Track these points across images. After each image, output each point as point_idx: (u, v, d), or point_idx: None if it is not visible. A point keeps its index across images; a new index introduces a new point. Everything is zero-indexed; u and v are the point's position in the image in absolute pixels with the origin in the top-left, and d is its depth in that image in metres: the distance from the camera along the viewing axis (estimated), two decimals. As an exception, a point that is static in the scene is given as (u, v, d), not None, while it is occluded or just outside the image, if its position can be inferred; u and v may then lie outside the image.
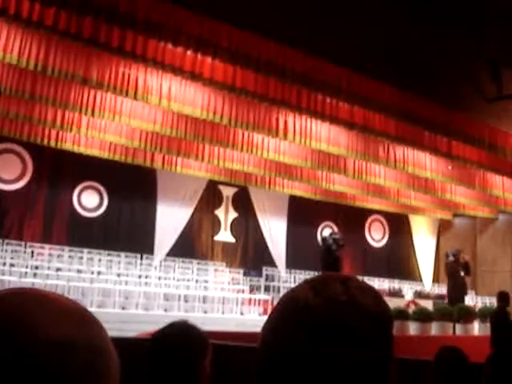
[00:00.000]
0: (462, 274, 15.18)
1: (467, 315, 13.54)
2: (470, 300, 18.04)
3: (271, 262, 17.77)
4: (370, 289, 0.88)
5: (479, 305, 16.54)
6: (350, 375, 0.80)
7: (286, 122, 11.67)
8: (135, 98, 10.17)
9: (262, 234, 18.12)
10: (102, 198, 15.47)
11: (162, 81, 10.19)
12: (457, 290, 14.95)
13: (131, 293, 12.71)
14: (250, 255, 17.76)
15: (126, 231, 15.55)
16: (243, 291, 14.48)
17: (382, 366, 0.83)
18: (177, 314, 11.72)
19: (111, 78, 9.73)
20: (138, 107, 11.33)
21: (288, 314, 0.85)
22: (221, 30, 8.38)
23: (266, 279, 16.37)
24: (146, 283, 13.61)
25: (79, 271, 13.13)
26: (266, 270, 16.93)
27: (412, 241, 22.24)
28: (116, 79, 9.78)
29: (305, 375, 0.81)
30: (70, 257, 14.26)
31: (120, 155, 13.86)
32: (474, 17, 9.53)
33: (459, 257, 15.42)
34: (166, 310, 12.54)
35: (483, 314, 13.63)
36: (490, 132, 12.13)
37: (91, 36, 8.14)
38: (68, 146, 13.22)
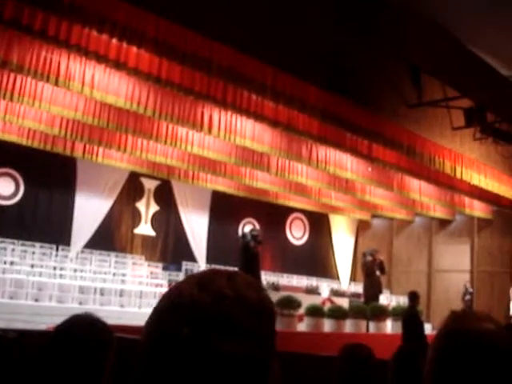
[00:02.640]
0: (378, 273, 15.60)
1: (380, 314, 13.92)
2: (385, 299, 18.55)
3: (191, 257, 17.70)
4: (255, 284, 0.88)
5: (393, 304, 17.02)
6: (233, 369, 0.80)
7: (210, 117, 11.62)
8: (56, 83, 9.85)
9: (183, 229, 18.01)
10: (17, 186, 14.92)
11: (85, 68, 9.92)
12: (372, 289, 15.35)
13: (45, 284, 12.35)
14: (170, 249, 17.61)
15: (41, 221, 15.07)
16: (162, 285, 14.35)
17: (265, 359, 0.84)
18: (92, 308, 11.48)
19: (32, 62, 9.37)
20: (59, 94, 10.98)
21: (173, 308, 0.84)
22: (148, 19, 8.22)
23: (186, 274, 16.27)
24: (60, 275, 13.24)
25: (-10, 261, 12.66)
26: (185, 265, 16.85)
27: (331, 240, 22.67)
28: (37, 64, 9.43)
29: (187, 369, 0.80)
30: (-19, 246, 13.73)
31: (39, 142, 13.40)
32: (396, 23, 9.79)
33: (376, 256, 15.83)
34: (80, 303, 12.26)
35: (396, 313, 14.04)
36: (409, 137, 12.47)
37: (13, 18, 7.80)
38: (-17, 130, 12.71)
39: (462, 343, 1.29)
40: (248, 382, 0.81)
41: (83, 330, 1.79)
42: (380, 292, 15.88)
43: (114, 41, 8.52)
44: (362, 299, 15.62)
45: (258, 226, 17.81)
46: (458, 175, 13.88)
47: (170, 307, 0.85)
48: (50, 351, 1.77)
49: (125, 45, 8.63)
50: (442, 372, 1.30)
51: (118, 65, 8.96)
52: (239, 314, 0.82)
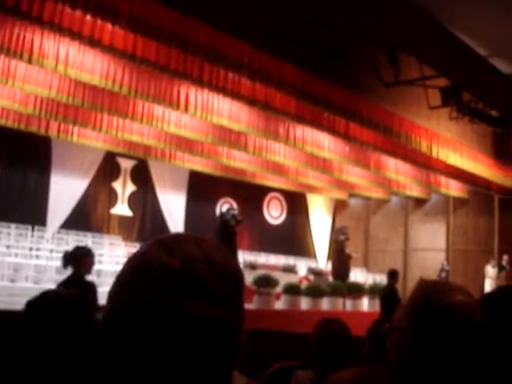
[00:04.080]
0: (347, 251, 15.77)
1: (357, 291, 14.07)
2: (361, 277, 18.74)
3: (169, 237, 17.62)
4: (222, 248, 0.88)
5: (370, 282, 17.20)
6: (205, 333, 0.80)
7: (187, 95, 11.52)
8: (30, 61, 9.65)
9: (160, 209, 17.94)
10: (-9, 166, 14.71)
11: (59, 45, 9.74)
12: (342, 268, 15.51)
13: (21, 265, 12.24)
14: (148, 229, 17.53)
15: (17, 201, 14.86)
16: (139, 265, 14.28)
17: (237, 323, 0.85)
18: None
19: (4, 39, 9.15)
20: (32, 72, 10.78)
21: (141, 274, 0.82)
22: (122, -5, 8.09)
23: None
24: (37, 256, 13.13)
25: (-35, 242, 12.50)
26: (163, 245, 16.78)
27: (308, 219, 22.76)
28: (10, 41, 9.22)
29: (159, 334, 0.79)
30: (-45, 226, 13.54)
31: (13, 121, 13.18)
32: (373, 1, 9.74)
33: (348, 236, 15.98)
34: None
35: (373, 291, 14.20)
36: (386, 116, 12.49)
37: (-17, -5, 7.64)
38: (-45, 109, 12.47)
39: (436, 316, 1.29)
40: (220, 346, 0.82)
41: (54, 305, 1.76)
42: (349, 270, 16.04)
43: (88, 17, 8.36)
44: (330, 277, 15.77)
45: (235, 206, 17.78)
46: (434, 154, 13.97)
47: (138, 273, 0.83)
48: (22, 326, 1.74)
49: (99, 21, 8.48)
50: (416, 345, 1.30)
51: (93, 42, 8.80)
52: (210, 277, 0.82)
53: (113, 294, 0.85)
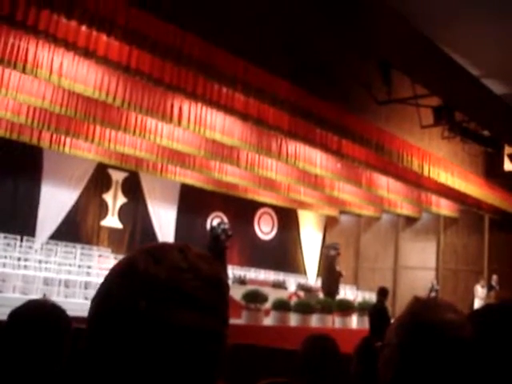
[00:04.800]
0: (338, 268, 15.76)
1: (346, 309, 14.03)
2: (351, 294, 18.71)
3: (159, 250, 17.53)
4: (207, 256, 0.88)
5: (359, 299, 17.17)
6: (190, 342, 0.80)
7: (180, 109, 11.52)
8: (24, 71, 9.65)
9: (150, 222, 17.88)
10: (-19, 175, 14.63)
11: (53, 55, 9.73)
12: (331, 284, 15.50)
13: (9, 275, 12.15)
14: (137, 242, 17.42)
15: (6, 211, 14.75)
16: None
17: (222, 332, 0.84)
18: (56, 299, 11.30)
19: (-1, 48, 9.18)
20: (26, 81, 10.77)
21: (127, 282, 0.82)
22: (117, 6, 8.08)
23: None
24: (25, 266, 13.04)
25: (-48, 251, 12.40)
26: (152, 258, 16.70)
27: (299, 235, 22.75)
28: (4, 50, 9.21)
29: (144, 344, 0.78)
30: None
31: (5, 131, 13.13)
32: (368, 19, 9.82)
33: (339, 251, 15.98)
34: (44, 295, 12.07)
35: (362, 308, 14.17)
36: (378, 133, 12.53)
37: (-22, 3, 7.63)
38: None
39: (425, 334, 1.28)
40: (205, 355, 0.81)
41: (37, 315, 1.74)
42: (337, 288, 16.03)
43: (83, 28, 8.37)
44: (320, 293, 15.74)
45: (226, 220, 17.75)
46: (426, 173, 14.01)
47: (123, 281, 0.82)
48: (4, 336, 1.72)
49: (94, 33, 8.49)
50: (404, 361, 1.29)
51: (87, 53, 8.80)
52: (196, 286, 0.82)
53: (97, 302, 0.84)
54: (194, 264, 0.84)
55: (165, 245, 0.88)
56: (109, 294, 0.83)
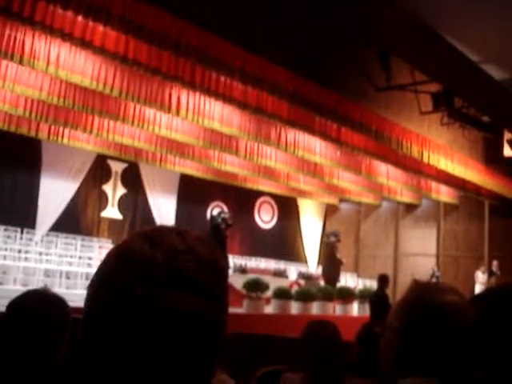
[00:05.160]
0: (339, 256, 15.76)
1: (347, 296, 14.06)
2: (352, 282, 18.74)
3: (159, 241, 17.54)
4: (205, 239, 0.87)
5: (360, 287, 17.20)
6: (188, 326, 0.78)
7: (178, 98, 11.48)
8: (21, 62, 9.59)
9: (150, 212, 17.88)
10: (-20, 167, 14.60)
11: (50, 46, 9.67)
12: (333, 271, 15.51)
13: (9, 268, 12.16)
14: (138, 233, 17.40)
15: (6, 203, 14.75)
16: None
17: (221, 317, 0.82)
18: (57, 291, 11.30)
19: (-4, 39, 9.13)
20: (23, 73, 10.72)
21: (123, 267, 0.80)
22: (114, -4, 8.05)
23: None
24: (25, 258, 13.05)
25: (-47, 243, 12.41)
26: (153, 248, 16.70)
27: (299, 224, 22.76)
28: (1, 42, 9.15)
29: (141, 329, 0.76)
30: None
31: (3, 123, 13.08)
32: (366, 6, 9.77)
33: (339, 238, 15.98)
34: (45, 286, 12.09)
35: (363, 296, 14.20)
36: (377, 120, 12.49)
37: (-26, -6, 7.58)
38: None
39: (427, 316, 1.28)
40: (204, 339, 0.79)
41: (35, 304, 1.73)
42: (339, 274, 16.05)
43: (80, 18, 8.31)
44: (322, 281, 15.75)
45: (226, 210, 17.75)
46: (425, 160, 13.98)
47: (119, 266, 0.80)
48: (2, 326, 1.71)
49: (91, 23, 8.43)
50: (406, 344, 1.28)
51: (84, 43, 8.75)
52: (194, 269, 0.80)
53: (94, 286, 0.83)
54: (192, 247, 0.82)
55: (162, 228, 0.87)
56: (105, 278, 0.81)
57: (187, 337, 0.78)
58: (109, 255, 0.84)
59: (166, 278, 0.78)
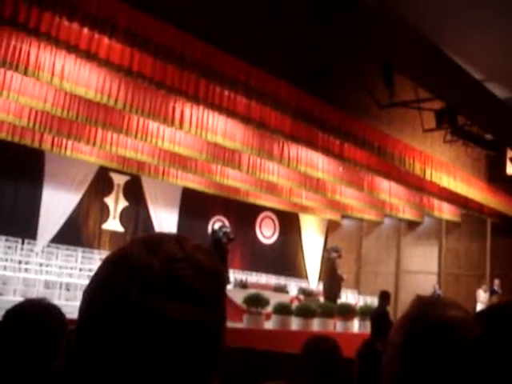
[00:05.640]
0: (340, 272, 15.71)
1: (348, 313, 13.98)
2: (353, 299, 18.66)
3: (160, 254, 17.51)
4: (204, 247, 0.84)
5: (361, 303, 17.12)
6: (185, 335, 0.76)
7: (182, 112, 11.51)
8: (25, 73, 9.64)
9: (152, 225, 17.86)
10: (-18, 178, 14.61)
11: (55, 58, 9.72)
12: (333, 287, 15.44)
13: (9, 278, 12.12)
14: (139, 246, 17.38)
15: (7, 214, 14.75)
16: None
17: (218, 326, 0.80)
18: (57, 303, 11.25)
19: (1, 50, 9.13)
20: (28, 84, 10.76)
21: (119, 273, 0.78)
22: (120, 9, 8.07)
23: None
24: (26, 269, 13.02)
25: (-47, 254, 12.40)
26: (154, 262, 16.67)
27: (301, 239, 22.71)
28: (6, 52, 9.19)
29: (137, 336, 0.74)
30: None
31: (6, 133, 13.11)
32: (370, 23, 9.81)
33: (341, 253, 15.93)
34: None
35: (363, 312, 14.13)
36: (380, 137, 12.50)
37: (-20, 5, 7.62)
38: None
39: (430, 331, 1.26)
40: (201, 349, 0.77)
41: (32, 314, 1.71)
42: (340, 291, 15.98)
43: (85, 30, 8.35)
44: (321, 298, 15.68)
45: (227, 224, 17.72)
46: (428, 177, 13.97)
47: (115, 272, 0.78)
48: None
49: (96, 35, 8.47)
50: (409, 360, 1.26)
51: (89, 55, 8.78)
52: (192, 277, 0.78)
53: (89, 291, 0.81)
54: (191, 255, 0.80)
55: (161, 235, 0.84)
56: (100, 284, 0.79)
57: (183, 345, 0.76)
58: (105, 261, 0.82)
59: (163, 286, 0.76)
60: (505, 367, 1.39)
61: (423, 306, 1.34)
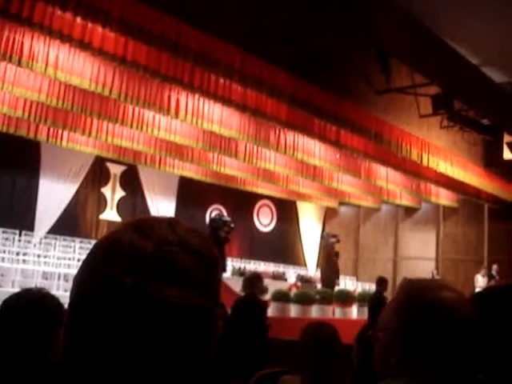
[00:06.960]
0: (336, 258, 15.73)
1: (346, 299, 14.02)
2: (351, 285, 18.70)
3: (158, 243, 17.52)
4: (196, 230, 0.84)
5: (359, 290, 17.17)
6: (179, 319, 0.75)
7: (177, 101, 11.46)
8: (19, 64, 9.58)
9: (149, 215, 17.78)
10: (-21, 169, 14.58)
11: (49, 48, 9.66)
12: (331, 273, 15.46)
13: (8, 270, 12.12)
14: (137, 235, 17.37)
15: (4, 205, 14.73)
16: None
17: (212, 309, 0.79)
18: (56, 293, 11.26)
19: (-6, 42, 9.11)
20: (22, 75, 10.70)
21: (111, 257, 0.76)
22: (113, -3, 8.03)
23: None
24: (24, 260, 13.02)
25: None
26: (151, 251, 16.69)
27: (299, 227, 22.72)
28: (-1, 43, 9.17)
29: (130, 321, 0.73)
30: None
31: (1, 125, 13.06)
32: (366, 9, 9.75)
33: (338, 240, 15.94)
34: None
35: (362, 299, 14.16)
36: (377, 123, 12.46)
37: (-28, -5, 7.56)
38: None
39: (426, 314, 1.25)
40: (196, 332, 0.76)
41: (29, 304, 1.70)
42: (338, 277, 16.00)
43: (79, 20, 8.29)
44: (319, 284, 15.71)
45: (225, 213, 17.72)
46: (425, 163, 13.95)
47: (107, 256, 0.77)
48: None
49: (90, 24, 8.41)
50: (405, 344, 1.25)
51: (83, 45, 8.73)
52: (185, 260, 0.77)
53: (80, 277, 0.79)
54: (184, 238, 0.79)
55: (153, 218, 0.83)
56: (92, 269, 0.78)
57: (178, 329, 0.75)
58: (96, 245, 0.81)
59: (156, 270, 0.75)
60: (502, 349, 1.39)
61: (415, 289, 1.32)
